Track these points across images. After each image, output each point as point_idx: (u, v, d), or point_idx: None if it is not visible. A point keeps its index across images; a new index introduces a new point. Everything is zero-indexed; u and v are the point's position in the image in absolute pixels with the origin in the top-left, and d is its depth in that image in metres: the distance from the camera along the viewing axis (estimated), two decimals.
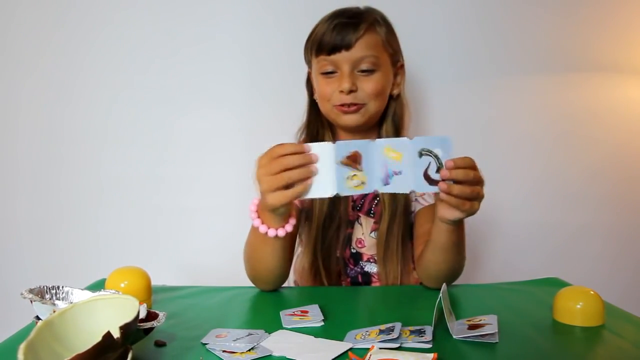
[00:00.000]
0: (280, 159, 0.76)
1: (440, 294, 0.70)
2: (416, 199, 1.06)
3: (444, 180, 0.74)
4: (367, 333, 0.70)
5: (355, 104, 1.00)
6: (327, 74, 1.02)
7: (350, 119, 1.02)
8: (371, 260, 1.07)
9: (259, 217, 0.86)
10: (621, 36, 1.46)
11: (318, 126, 1.10)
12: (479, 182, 0.78)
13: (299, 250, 1.09)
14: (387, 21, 1.06)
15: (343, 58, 0.99)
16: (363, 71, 1.00)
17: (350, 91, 0.99)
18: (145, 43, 1.42)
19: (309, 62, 1.09)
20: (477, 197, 0.78)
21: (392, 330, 0.68)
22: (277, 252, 0.89)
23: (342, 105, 1.01)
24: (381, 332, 0.69)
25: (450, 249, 0.89)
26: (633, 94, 1.48)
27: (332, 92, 1.01)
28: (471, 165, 0.77)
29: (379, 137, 1.09)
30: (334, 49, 0.99)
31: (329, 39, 0.99)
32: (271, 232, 0.84)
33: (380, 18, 1.04)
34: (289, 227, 0.85)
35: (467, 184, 0.76)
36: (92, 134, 1.44)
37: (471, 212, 0.79)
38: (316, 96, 1.08)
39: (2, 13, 1.41)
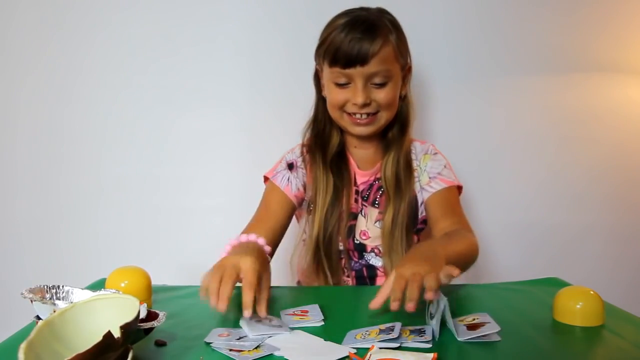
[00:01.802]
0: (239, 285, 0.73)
1: (443, 304, 0.70)
2: (423, 188, 1.07)
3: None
4: (367, 333, 0.70)
5: (368, 114, 1.03)
6: (340, 84, 1.03)
7: (362, 130, 1.05)
8: (375, 251, 1.07)
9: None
10: (621, 36, 1.46)
11: (325, 121, 1.11)
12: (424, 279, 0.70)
13: (301, 245, 1.10)
14: (398, 26, 1.06)
15: (357, 73, 1.00)
16: (376, 84, 1.01)
17: (364, 105, 1.01)
18: (145, 43, 1.42)
19: (319, 64, 1.09)
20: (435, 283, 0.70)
21: (392, 330, 0.68)
22: None
23: (355, 115, 1.03)
24: (381, 331, 0.69)
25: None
26: (633, 94, 1.48)
27: (344, 101, 1.03)
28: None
29: (386, 138, 1.10)
30: (349, 64, 0.99)
31: (344, 53, 0.99)
32: None
33: (392, 25, 1.04)
34: None
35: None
36: (92, 134, 1.44)
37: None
38: (324, 93, 1.09)
39: (2, 13, 1.41)
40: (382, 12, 1.05)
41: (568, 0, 1.45)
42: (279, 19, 1.42)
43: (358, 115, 1.03)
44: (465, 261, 0.92)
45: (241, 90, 1.44)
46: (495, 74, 1.46)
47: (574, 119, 1.48)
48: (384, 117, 1.05)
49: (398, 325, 0.70)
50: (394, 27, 1.04)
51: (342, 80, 1.02)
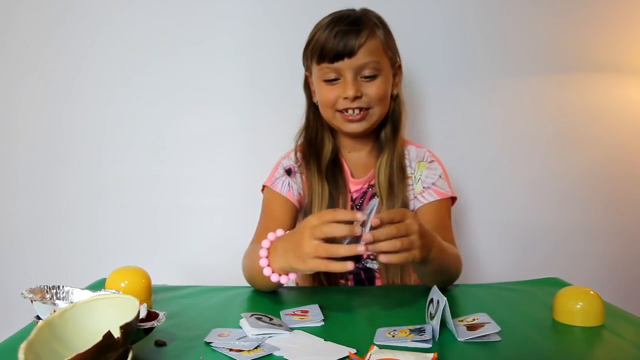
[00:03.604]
0: (330, 225, 0.72)
1: (443, 303, 0.70)
2: (415, 197, 1.07)
3: (368, 242, 0.71)
4: (396, 331, 0.70)
5: (360, 109, 1.02)
6: (329, 80, 1.02)
7: (355, 127, 1.04)
8: (371, 258, 1.07)
9: (267, 258, 0.81)
10: (621, 36, 1.46)
11: (317, 128, 1.11)
12: (408, 233, 0.74)
13: None
14: (384, 23, 1.06)
15: (346, 65, 0.99)
16: (366, 77, 1.01)
17: (355, 98, 1.00)
18: (144, 43, 1.42)
19: (308, 68, 1.09)
20: (412, 247, 0.74)
21: (424, 332, 0.69)
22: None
23: (347, 112, 1.02)
24: (411, 331, 0.70)
25: (432, 273, 0.89)
26: (633, 94, 1.48)
27: (335, 98, 1.02)
28: (398, 219, 0.74)
29: (379, 139, 1.10)
30: (336, 57, 0.99)
31: (331, 46, 0.99)
32: (274, 278, 0.80)
33: (378, 21, 1.04)
34: (292, 276, 0.81)
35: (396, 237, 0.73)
36: (92, 133, 1.44)
37: (412, 260, 0.75)
38: (316, 99, 1.08)
39: (2, 13, 1.41)
40: (367, 10, 1.06)
41: (568, 0, 1.45)
42: (279, 19, 1.42)
43: (350, 112, 1.02)
44: (449, 269, 0.92)
45: (241, 90, 1.44)
46: (494, 74, 1.46)
47: (573, 119, 1.48)
48: (376, 113, 1.04)
49: (429, 327, 0.70)
50: (380, 23, 1.04)
51: (332, 76, 1.01)
